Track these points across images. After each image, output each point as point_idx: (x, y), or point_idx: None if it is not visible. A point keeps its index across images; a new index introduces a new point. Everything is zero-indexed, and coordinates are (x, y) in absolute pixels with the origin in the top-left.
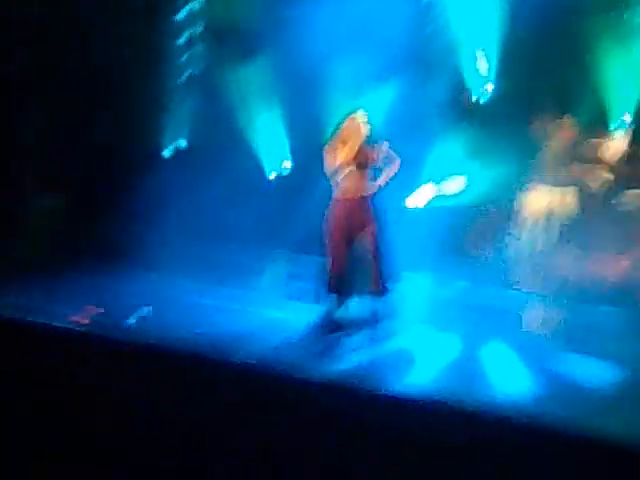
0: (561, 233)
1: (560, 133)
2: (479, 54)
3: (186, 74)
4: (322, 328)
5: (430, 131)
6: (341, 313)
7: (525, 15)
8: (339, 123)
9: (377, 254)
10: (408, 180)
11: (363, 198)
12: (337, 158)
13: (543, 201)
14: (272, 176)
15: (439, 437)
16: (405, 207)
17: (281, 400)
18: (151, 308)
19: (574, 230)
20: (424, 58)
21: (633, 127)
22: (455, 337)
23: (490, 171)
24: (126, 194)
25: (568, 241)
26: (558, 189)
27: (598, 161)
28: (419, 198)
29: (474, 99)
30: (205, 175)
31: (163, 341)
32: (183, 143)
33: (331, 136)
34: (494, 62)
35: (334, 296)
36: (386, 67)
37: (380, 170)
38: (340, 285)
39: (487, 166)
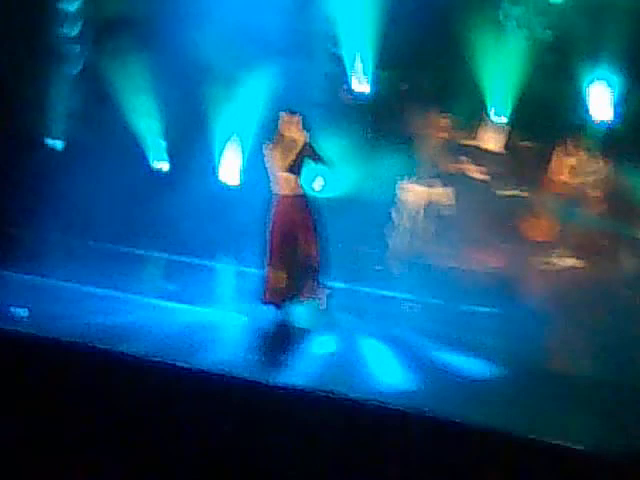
0: (439, 227)
1: (434, 132)
2: (358, 52)
3: (73, 65)
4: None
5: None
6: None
7: (406, 13)
8: (274, 120)
9: (317, 258)
10: None
11: (300, 197)
12: (274, 161)
13: (423, 195)
14: (153, 169)
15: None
16: None
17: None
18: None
19: (453, 224)
20: (304, 51)
21: (511, 120)
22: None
23: (369, 166)
24: (4, 188)
25: (446, 236)
26: (438, 183)
27: (477, 155)
28: None
29: (353, 95)
30: (86, 171)
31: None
32: (63, 138)
33: (268, 134)
34: (373, 58)
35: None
36: (266, 59)
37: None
38: (278, 296)
39: (367, 161)
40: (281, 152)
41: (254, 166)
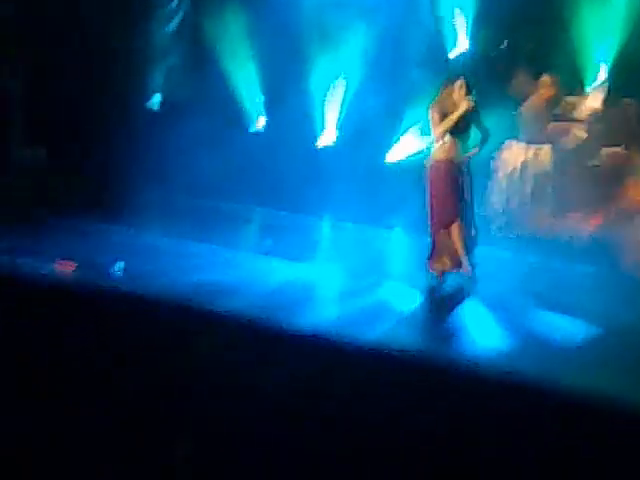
0: (536, 190)
1: (537, 91)
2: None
3: (166, 25)
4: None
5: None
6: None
7: None
8: (444, 84)
9: (468, 226)
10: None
11: (454, 163)
12: (432, 124)
13: (527, 155)
14: (252, 129)
15: None
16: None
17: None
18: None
19: (548, 187)
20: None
21: (608, 85)
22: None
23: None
24: (107, 147)
25: (542, 198)
26: (533, 147)
27: (573, 119)
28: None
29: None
30: (186, 129)
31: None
32: (162, 96)
33: (434, 97)
34: (471, 19)
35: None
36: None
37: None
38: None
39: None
40: (441, 116)
41: (355, 125)
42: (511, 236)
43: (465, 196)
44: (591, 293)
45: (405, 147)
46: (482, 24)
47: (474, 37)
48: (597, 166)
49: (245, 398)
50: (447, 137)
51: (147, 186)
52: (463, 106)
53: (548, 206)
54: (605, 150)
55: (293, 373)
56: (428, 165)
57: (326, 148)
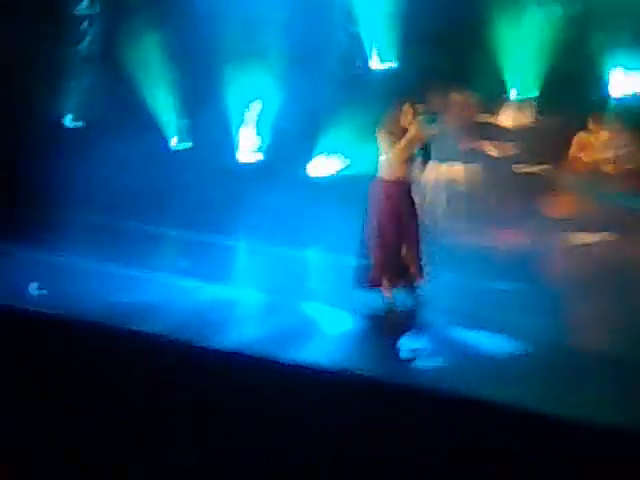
0: (450, 207)
1: (450, 109)
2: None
3: (89, 44)
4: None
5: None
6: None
7: None
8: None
9: (419, 243)
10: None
11: (406, 184)
12: (385, 149)
13: (443, 173)
14: (170, 150)
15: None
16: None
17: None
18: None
19: (462, 204)
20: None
21: (531, 97)
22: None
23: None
24: (22, 166)
25: (456, 216)
26: (446, 164)
27: (487, 137)
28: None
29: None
30: (104, 149)
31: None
32: (78, 116)
33: (385, 119)
34: (394, 37)
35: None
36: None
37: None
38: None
39: None
40: (390, 139)
41: (274, 144)
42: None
43: (415, 215)
44: (510, 309)
45: (322, 166)
46: (397, 41)
47: (388, 54)
48: (511, 182)
49: (167, 416)
50: (396, 158)
51: (65, 207)
52: (411, 132)
53: (462, 223)
54: (519, 167)
55: (215, 391)
56: (376, 185)
57: (244, 168)
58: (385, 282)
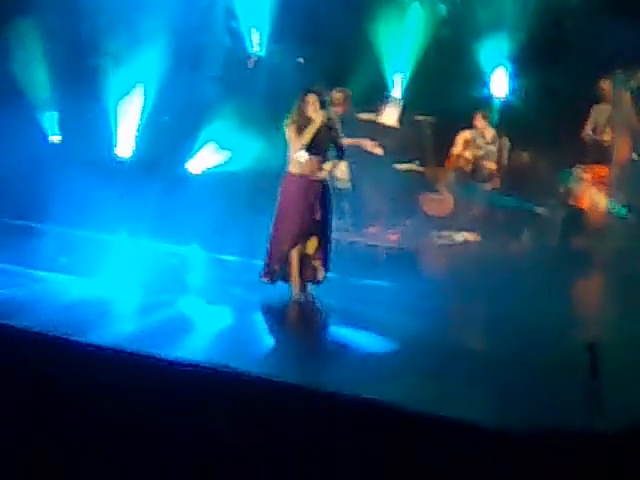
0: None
1: (336, 103)
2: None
3: None
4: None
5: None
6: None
7: None
8: (297, 99)
9: (327, 241)
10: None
11: (316, 181)
12: (289, 139)
13: None
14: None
15: None
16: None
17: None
18: None
19: (344, 203)
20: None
21: (401, 101)
22: (225, 309)
23: (267, 141)
24: None
25: (344, 211)
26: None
27: (366, 135)
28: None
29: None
30: None
31: None
32: None
33: (289, 111)
34: (270, 31)
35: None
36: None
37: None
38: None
39: (264, 135)
40: (297, 131)
41: (151, 140)
42: None
43: (324, 212)
44: (388, 307)
45: (202, 161)
46: (277, 38)
47: (270, 51)
48: (392, 181)
49: (39, 414)
50: (303, 152)
51: None
52: (317, 120)
53: (343, 220)
54: (399, 165)
55: (96, 387)
56: (284, 178)
57: (123, 163)
58: (292, 276)
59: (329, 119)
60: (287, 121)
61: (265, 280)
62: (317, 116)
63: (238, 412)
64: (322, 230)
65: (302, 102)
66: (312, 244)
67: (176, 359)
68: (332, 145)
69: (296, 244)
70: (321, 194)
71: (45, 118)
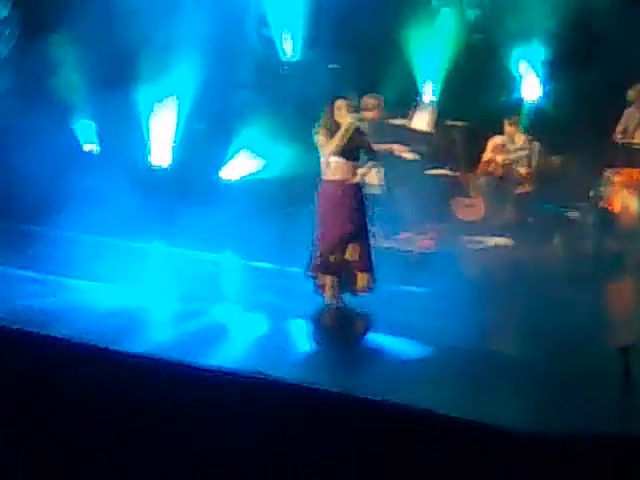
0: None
1: (368, 108)
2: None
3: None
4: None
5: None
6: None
7: None
8: (327, 104)
9: (367, 245)
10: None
11: (351, 185)
12: (322, 147)
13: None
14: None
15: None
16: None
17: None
18: None
19: (383, 204)
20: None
21: (433, 107)
22: (259, 316)
23: (300, 147)
24: None
25: (377, 216)
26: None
27: (398, 141)
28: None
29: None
30: (14, 154)
31: None
32: None
33: (320, 118)
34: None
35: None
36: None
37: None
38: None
39: (297, 142)
40: (326, 137)
41: (185, 148)
42: None
43: (360, 216)
44: (421, 313)
45: (236, 169)
46: (309, 44)
47: (302, 57)
48: (424, 186)
49: (86, 421)
50: (336, 158)
51: None
52: (345, 124)
53: (376, 226)
54: (430, 171)
55: (133, 396)
56: (320, 186)
57: (158, 171)
58: (326, 282)
59: (359, 124)
60: (317, 126)
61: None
62: (347, 121)
63: (273, 420)
64: (361, 235)
65: (332, 107)
66: (351, 250)
67: (211, 367)
68: (363, 150)
69: (336, 250)
70: (357, 198)
71: (81, 126)
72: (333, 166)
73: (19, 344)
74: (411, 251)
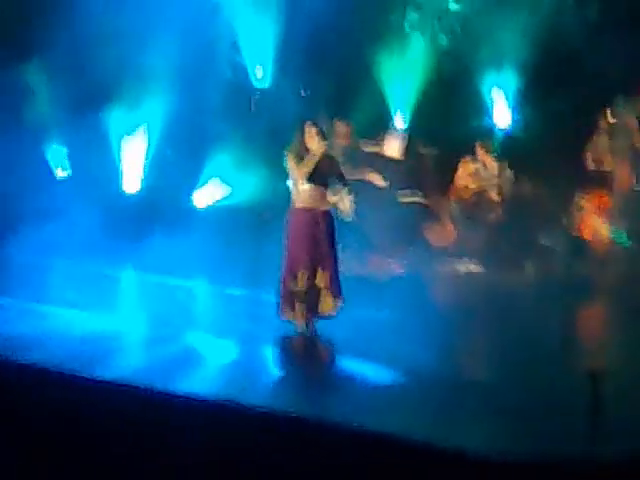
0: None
1: (340, 135)
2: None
3: None
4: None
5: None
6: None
7: (308, 18)
8: (297, 130)
9: (336, 271)
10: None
11: (321, 212)
12: (293, 172)
13: None
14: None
15: None
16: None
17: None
18: None
19: (353, 231)
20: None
21: (411, 127)
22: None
23: (268, 172)
24: None
25: (347, 243)
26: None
27: (369, 166)
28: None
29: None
30: None
31: None
32: None
33: (290, 142)
34: (274, 64)
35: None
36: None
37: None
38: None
39: (266, 167)
40: (297, 162)
41: (157, 174)
42: None
43: (329, 242)
44: (391, 338)
45: (206, 195)
46: (280, 71)
47: (272, 84)
48: (395, 212)
49: (55, 447)
50: (306, 184)
51: None
52: (316, 150)
53: (346, 252)
54: (402, 197)
55: (103, 422)
56: (289, 213)
57: (130, 197)
58: (296, 311)
59: (329, 150)
60: (287, 152)
61: (284, 318)
62: (317, 146)
63: (244, 446)
64: (329, 261)
65: (301, 133)
66: (321, 276)
67: (183, 393)
68: (334, 176)
69: (304, 277)
70: (327, 225)
71: (53, 152)
72: (303, 194)
73: None
74: (381, 276)
